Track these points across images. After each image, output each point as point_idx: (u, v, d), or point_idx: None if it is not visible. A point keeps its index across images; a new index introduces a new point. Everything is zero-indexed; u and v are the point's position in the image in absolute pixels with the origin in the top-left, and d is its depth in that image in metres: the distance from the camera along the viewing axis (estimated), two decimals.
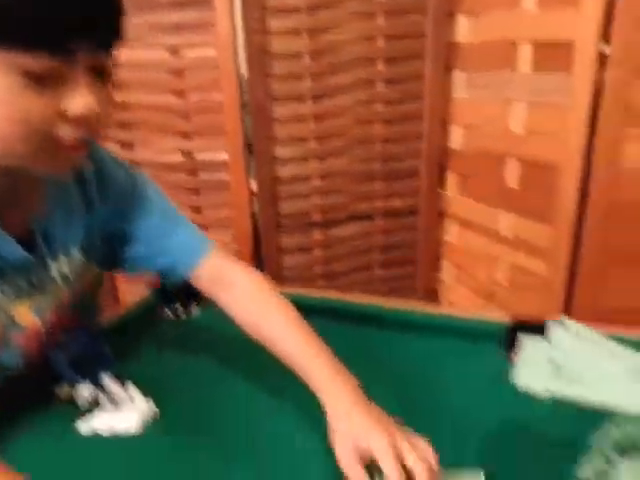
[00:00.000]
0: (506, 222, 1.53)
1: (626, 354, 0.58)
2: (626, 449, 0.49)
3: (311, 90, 1.58)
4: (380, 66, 1.58)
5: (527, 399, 0.58)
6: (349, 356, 0.67)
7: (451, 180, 1.69)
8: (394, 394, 0.71)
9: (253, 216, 1.71)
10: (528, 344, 0.63)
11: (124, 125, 1.69)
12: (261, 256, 1.74)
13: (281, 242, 1.73)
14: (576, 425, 0.55)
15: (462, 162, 1.64)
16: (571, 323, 0.63)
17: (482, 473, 0.56)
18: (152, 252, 0.77)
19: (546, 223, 1.39)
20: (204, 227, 1.74)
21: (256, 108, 1.56)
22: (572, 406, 0.56)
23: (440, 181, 1.70)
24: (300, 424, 0.71)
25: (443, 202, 1.72)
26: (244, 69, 1.55)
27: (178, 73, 1.58)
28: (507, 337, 0.79)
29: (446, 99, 1.60)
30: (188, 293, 1.17)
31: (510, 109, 1.42)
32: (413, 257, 1.79)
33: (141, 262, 0.78)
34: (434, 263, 1.81)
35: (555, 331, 0.63)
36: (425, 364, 0.81)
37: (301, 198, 1.69)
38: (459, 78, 1.56)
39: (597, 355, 0.58)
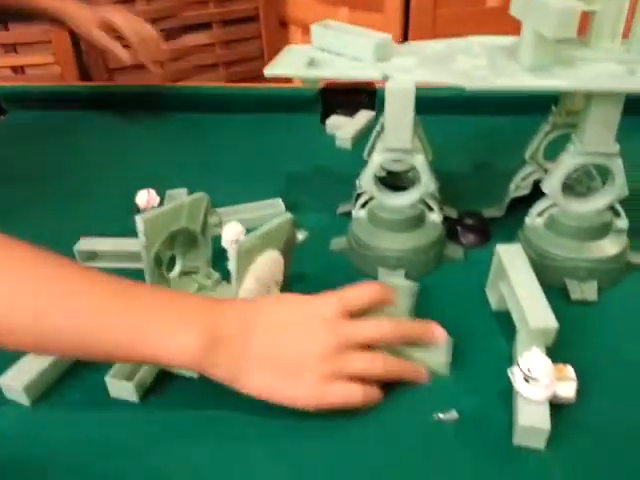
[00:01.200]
0: (345, 19, 1.47)
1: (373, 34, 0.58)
2: None
3: None
4: None
5: None
6: None
7: None
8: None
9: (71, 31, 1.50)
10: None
11: None
12: (90, 77, 1.57)
13: (109, 59, 1.56)
14: None
15: None
16: (336, 23, 0.62)
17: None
18: None
19: (379, 12, 1.35)
20: (16, 48, 1.52)
21: None
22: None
23: None
24: None
25: (283, 6, 1.62)
26: None
27: None
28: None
29: None
30: None
31: None
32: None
33: None
34: None
35: (319, 34, 0.60)
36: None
37: (123, 4, 1.50)
38: None
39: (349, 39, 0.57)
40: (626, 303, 0.53)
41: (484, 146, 0.85)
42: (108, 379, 0.44)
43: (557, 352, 0.45)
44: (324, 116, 0.97)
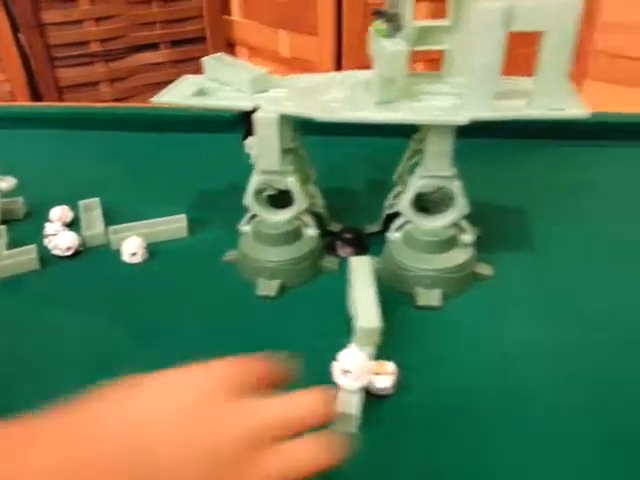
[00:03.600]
0: (285, 41, 1.55)
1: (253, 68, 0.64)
2: None
3: None
4: None
5: None
6: None
7: (235, 3, 1.65)
8: None
9: (21, 48, 1.56)
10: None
11: None
12: (39, 95, 1.62)
13: (58, 78, 1.61)
14: None
15: None
16: (228, 57, 0.69)
17: None
18: None
19: (313, 35, 1.43)
20: None
21: None
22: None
23: (224, 6, 1.65)
24: None
25: (230, 28, 1.69)
26: None
27: None
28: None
29: None
30: None
31: None
32: None
33: None
34: None
35: (211, 66, 0.67)
36: None
37: (72, 25, 1.56)
38: None
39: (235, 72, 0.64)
40: (467, 310, 0.60)
41: (376, 166, 0.92)
42: None
43: (389, 350, 0.52)
44: (245, 136, 1.04)
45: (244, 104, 0.60)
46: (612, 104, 1.39)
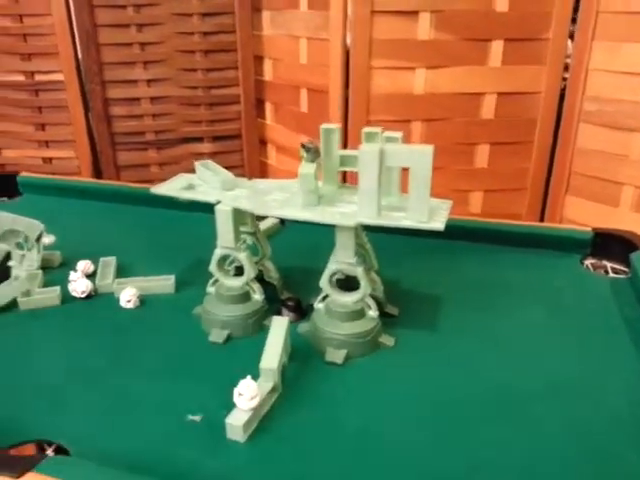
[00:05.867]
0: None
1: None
2: None
3: (133, 19, 1.78)
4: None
5: None
6: None
7: (268, 109, 1.97)
8: None
9: (91, 133, 1.92)
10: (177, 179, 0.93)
11: None
12: (100, 171, 1.96)
13: (118, 159, 1.95)
14: None
15: (274, 92, 1.92)
16: (212, 164, 0.93)
17: None
18: None
19: None
20: (48, 144, 1.95)
21: (84, 33, 1.76)
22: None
23: (260, 111, 1.98)
24: None
25: (263, 129, 2.00)
26: None
27: None
28: None
29: (256, 35, 1.86)
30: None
31: (297, 44, 1.71)
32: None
33: None
34: None
35: (199, 169, 0.92)
36: None
37: (134, 119, 1.92)
38: (265, 16, 1.82)
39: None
40: (365, 369, 0.77)
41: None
42: None
43: (287, 385, 0.69)
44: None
45: (210, 198, 0.83)
46: (588, 217, 1.55)
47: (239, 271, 0.88)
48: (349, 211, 0.76)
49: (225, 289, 0.86)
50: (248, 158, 2.03)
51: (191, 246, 1.16)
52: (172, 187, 0.89)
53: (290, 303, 0.89)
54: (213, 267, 0.86)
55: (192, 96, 1.91)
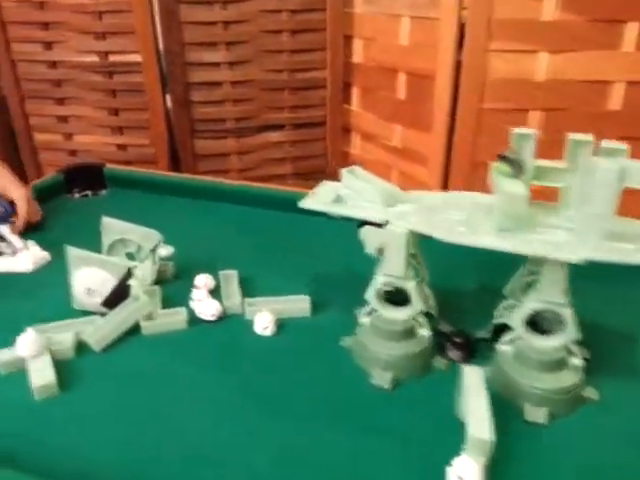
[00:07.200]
0: (397, 134, 1.67)
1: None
2: None
3: None
4: None
5: None
6: None
7: (355, 94, 1.82)
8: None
9: (168, 119, 1.80)
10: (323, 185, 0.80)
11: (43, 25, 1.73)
12: (179, 160, 1.85)
13: (196, 147, 1.84)
14: None
15: (363, 76, 1.76)
16: (361, 170, 0.79)
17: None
18: None
19: (426, 132, 1.54)
20: (121, 129, 1.84)
21: (165, 11, 1.62)
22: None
23: (345, 96, 1.82)
24: None
25: (347, 116, 1.85)
26: None
27: None
28: None
29: (347, 12, 1.69)
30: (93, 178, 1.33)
31: (398, 23, 1.54)
32: (323, 167, 1.93)
33: None
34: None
35: (346, 177, 0.78)
36: None
37: (214, 104, 1.79)
38: None
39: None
40: (571, 431, 0.63)
41: (493, 272, 0.97)
42: None
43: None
44: (360, 224, 1.14)
45: (377, 216, 0.70)
46: None
47: (389, 295, 0.75)
48: (558, 240, 0.61)
49: (384, 322, 0.73)
50: (331, 147, 1.88)
51: (314, 255, 1.03)
52: (320, 200, 0.76)
53: (458, 340, 0.76)
54: (371, 295, 0.73)
55: (276, 80, 1.77)
